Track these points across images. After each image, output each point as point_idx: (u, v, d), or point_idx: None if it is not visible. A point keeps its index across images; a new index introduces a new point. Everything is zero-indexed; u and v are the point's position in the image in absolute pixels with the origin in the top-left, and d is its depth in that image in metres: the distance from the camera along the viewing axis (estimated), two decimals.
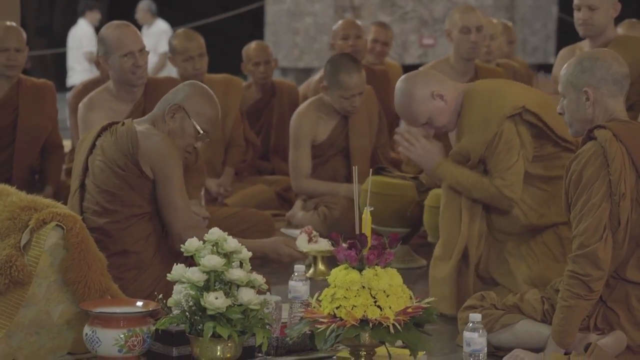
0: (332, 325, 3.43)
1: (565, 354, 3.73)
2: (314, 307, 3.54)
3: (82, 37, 12.21)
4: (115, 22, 5.25)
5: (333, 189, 6.02)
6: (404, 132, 4.54)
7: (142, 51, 5.10)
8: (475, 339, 3.47)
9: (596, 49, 4.15)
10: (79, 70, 12.14)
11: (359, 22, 7.30)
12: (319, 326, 3.45)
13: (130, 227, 4.16)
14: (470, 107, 4.39)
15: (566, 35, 5.47)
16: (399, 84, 4.50)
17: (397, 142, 4.58)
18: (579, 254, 3.67)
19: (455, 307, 4.30)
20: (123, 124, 4.22)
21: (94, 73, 11.95)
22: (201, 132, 4.20)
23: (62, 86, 11.95)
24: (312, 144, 6.10)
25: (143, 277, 4.17)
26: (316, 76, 7.38)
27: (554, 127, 4.34)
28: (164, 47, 12.42)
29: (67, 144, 6.89)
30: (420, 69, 6.42)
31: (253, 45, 7.25)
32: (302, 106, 6.21)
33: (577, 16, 5.37)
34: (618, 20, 5.94)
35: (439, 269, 4.46)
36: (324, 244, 4.27)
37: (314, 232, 4.31)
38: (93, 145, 4.23)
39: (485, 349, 3.50)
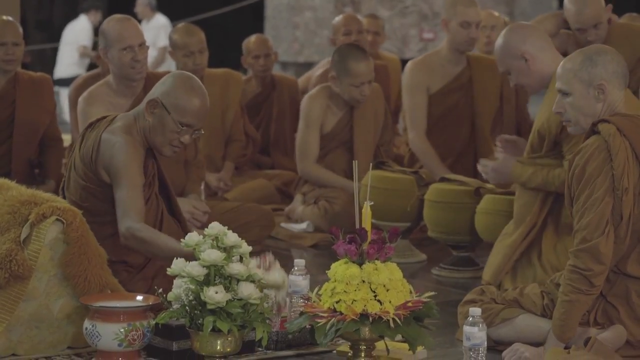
0: (332, 320, 3.43)
1: (565, 348, 3.73)
2: (314, 302, 3.54)
3: (79, 32, 12.21)
4: (117, 15, 5.25)
5: (338, 182, 6.01)
6: (480, 166, 4.83)
7: (142, 46, 5.09)
8: (475, 333, 3.47)
9: (597, 44, 4.13)
10: (66, 63, 12.14)
11: (359, 17, 7.29)
12: (318, 320, 3.45)
13: (115, 235, 4.02)
14: (549, 87, 4.45)
15: (567, 29, 5.41)
16: (509, 26, 4.73)
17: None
18: (580, 248, 3.66)
19: (496, 278, 4.48)
20: (95, 127, 4.12)
21: (81, 66, 11.97)
22: (181, 127, 4.03)
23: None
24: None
25: (135, 279, 4.14)
26: (317, 71, 7.37)
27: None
28: (163, 42, 12.41)
29: (66, 138, 6.89)
30: (409, 64, 6.40)
31: (253, 38, 7.25)
32: (314, 90, 6.22)
33: (583, 36, 5.34)
34: (619, 15, 5.94)
35: (500, 241, 4.62)
36: (275, 276, 3.61)
37: (270, 259, 3.66)
38: (80, 144, 4.19)
39: (485, 343, 3.50)
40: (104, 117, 4.23)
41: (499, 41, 4.63)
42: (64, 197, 4.17)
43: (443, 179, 5.32)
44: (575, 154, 3.75)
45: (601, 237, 3.64)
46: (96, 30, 12.41)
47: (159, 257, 3.89)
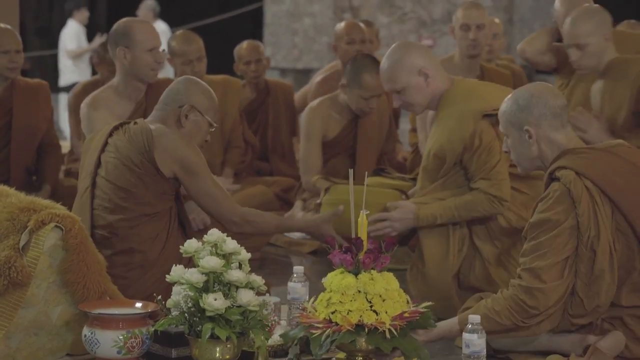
0: (328, 331, 3.41)
1: (564, 355, 3.73)
2: (309, 312, 3.52)
3: (67, 38, 12.19)
4: (135, 18, 5.26)
5: None
6: (374, 227, 4.44)
7: (162, 50, 5.13)
8: (474, 341, 3.47)
9: (531, 84, 3.96)
10: (65, 72, 12.15)
11: (361, 24, 7.29)
12: (314, 331, 3.43)
13: (139, 225, 4.19)
14: (447, 102, 4.38)
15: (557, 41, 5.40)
16: (395, 45, 4.53)
17: (374, 233, 4.44)
18: (536, 287, 3.58)
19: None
20: (135, 123, 4.27)
21: (81, 71, 11.97)
22: (215, 125, 4.36)
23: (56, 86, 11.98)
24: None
25: (147, 276, 4.18)
26: (317, 78, 7.37)
27: None
28: (162, 48, 12.43)
29: (65, 145, 6.88)
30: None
31: (244, 44, 7.26)
32: (315, 102, 6.23)
33: (571, 57, 5.14)
34: (617, 21, 5.94)
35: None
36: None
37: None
38: (105, 144, 4.26)
39: (485, 350, 3.50)
40: (126, 122, 4.32)
41: (391, 57, 4.45)
42: (92, 207, 4.22)
43: (379, 170, 5.43)
44: (539, 200, 3.69)
45: (560, 280, 3.59)
46: (89, 33, 12.45)
47: (268, 232, 4.01)
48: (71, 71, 12.05)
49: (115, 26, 5.15)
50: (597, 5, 5.26)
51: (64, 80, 12.30)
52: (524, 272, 3.63)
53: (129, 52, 5.04)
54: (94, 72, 11.47)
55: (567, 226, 3.60)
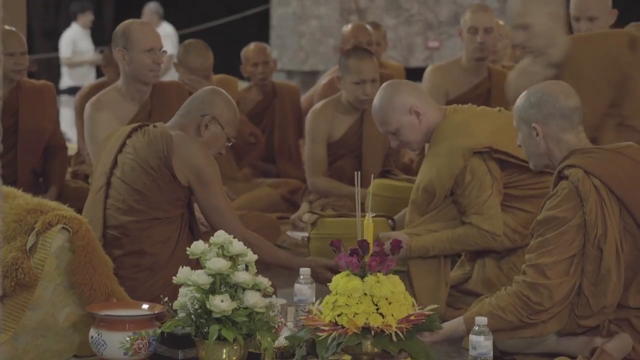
0: (334, 333, 3.40)
1: (571, 358, 3.72)
2: (315, 315, 3.51)
3: (63, 43, 12.16)
4: (136, 19, 5.27)
5: (349, 193, 6.00)
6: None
7: (161, 50, 5.12)
8: (481, 342, 3.47)
9: (547, 81, 3.96)
10: (67, 74, 12.14)
11: (368, 27, 7.29)
12: (320, 334, 3.42)
13: (151, 228, 4.20)
14: (438, 138, 4.35)
15: (572, 32, 5.35)
16: (384, 85, 4.47)
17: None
18: (540, 283, 3.59)
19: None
20: (155, 126, 4.27)
21: (78, 77, 11.97)
22: (233, 140, 4.38)
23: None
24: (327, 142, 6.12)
25: (155, 278, 4.18)
26: (323, 80, 7.38)
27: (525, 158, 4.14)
28: (169, 50, 12.40)
29: (72, 147, 6.89)
30: (430, 68, 6.41)
31: (251, 46, 7.28)
32: (319, 104, 6.22)
33: (577, 27, 5.14)
34: (624, 24, 5.92)
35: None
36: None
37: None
38: (123, 144, 4.28)
39: (491, 352, 3.50)
40: (145, 125, 4.33)
41: (381, 99, 4.40)
42: (105, 207, 4.22)
43: (385, 172, 5.35)
44: (547, 198, 3.69)
45: (566, 278, 3.60)
46: (94, 37, 12.45)
47: (263, 261, 3.96)
48: (68, 75, 12.05)
49: (116, 28, 5.17)
50: None
51: (66, 82, 12.29)
52: (529, 268, 3.63)
53: (127, 53, 5.06)
54: (98, 75, 11.49)
55: (574, 224, 3.60)
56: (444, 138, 4.33)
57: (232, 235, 3.93)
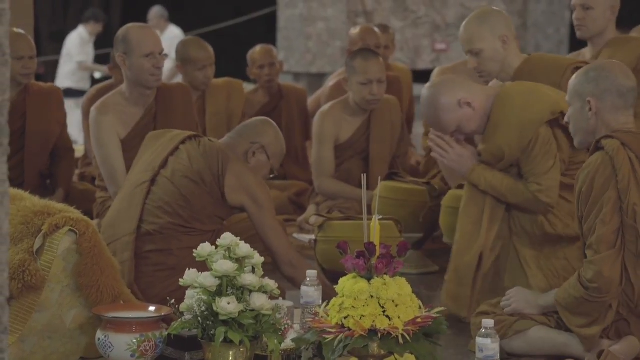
0: (340, 336, 3.39)
1: None
2: (321, 317, 3.51)
3: (71, 44, 12.16)
4: (136, 23, 5.26)
5: (356, 195, 5.99)
6: (436, 137, 4.44)
7: (162, 54, 5.12)
8: (488, 345, 3.46)
9: (606, 60, 4.05)
10: (62, 75, 12.13)
11: (376, 29, 7.29)
12: (326, 336, 3.42)
13: (186, 234, 4.25)
14: (503, 111, 4.33)
15: (579, 40, 5.35)
16: (424, 92, 4.44)
17: (430, 147, 4.51)
18: (590, 259, 3.67)
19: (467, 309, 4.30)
20: (211, 140, 4.36)
21: (78, 79, 11.97)
22: (275, 173, 4.47)
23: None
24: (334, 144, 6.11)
25: (173, 280, 4.18)
26: (330, 82, 7.38)
27: None
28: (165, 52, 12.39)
29: (79, 149, 6.90)
30: (437, 70, 6.40)
31: (257, 48, 7.28)
32: (327, 106, 6.22)
33: (574, 16, 5.18)
34: (631, 27, 5.91)
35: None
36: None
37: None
38: (176, 148, 4.34)
39: (498, 355, 3.49)
40: (199, 136, 4.41)
41: (429, 106, 4.38)
42: (144, 202, 4.27)
43: (392, 175, 5.39)
44: (581, 171, 3.73)
45: (612, 251, 3.63)
46: (99, 40, 12.47)
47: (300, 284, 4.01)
48: (67, 77, 12.04)
49: (117, 33, 5.19)
50: (491, 7, 5.10)
51: (60, 83, 12.28)
52: (588, 251, 3.70)
53: (127, 58, 5.08)
54: (93, 82, 11.49)
55: (610, 196, 3.65)
56: (511, 107, 4.31)
57: (291, 258, 4.30)
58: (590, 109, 3.76)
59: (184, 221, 4.25)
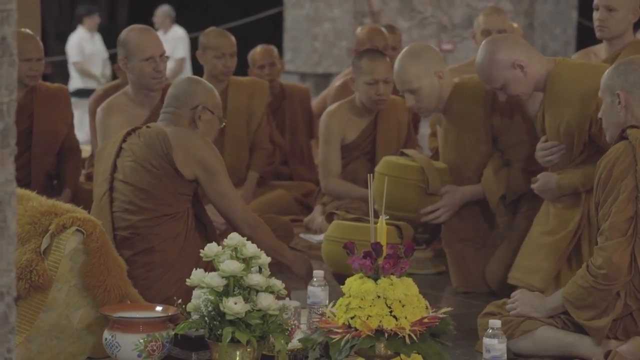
0: (347, 336, 3.39)
1: None
2: (328, 317, 3.51)
3: (71, 46, 12.16)
4: (137, 25, 5.26)
5: (363, 195, 5.98)
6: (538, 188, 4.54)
7: (163, 56, 5.12)
8: (495, 346, 3.46)
9: (636, 55, 4.08)
10: (76, 75, 12.15)
11: (383, 30, 7.28)
12: (333, 336, 3.42)
13: (159, 225, 4.24)
14: (561, 84, 4.39)
15: (586, 40, 5.37)
16: (484, 43, 4.52)
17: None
18: (600, 246, 3.68)
19: (548, 284, 4.38)
20: (148, 127, 4.32)
21: (78, 80, 11.98)
22: (224, 121, 4.43)
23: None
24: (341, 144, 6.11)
25: (167, 276, 4.21)
26: (336, 82, 7.37)
27: None
28: (180, 53, 12.41)
29: (86, 149, 6.90)
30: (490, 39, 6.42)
31: (258, 49, 7.29)
32: (333, 106, 6.23)
33: (595, 16, 5.18)
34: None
35: (534, 240, 4.50)
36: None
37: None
38: (120, 149, 4.32)
39: (505, 355, 3.49)
40: (138, 128, 4.38)
41: (483, 57, 4.46)
42: (111, 211, 4.28)
43: (402, 154, 5.33)
44: (602, 158, 3.75)
45: (623, 238, 3.63)
46: (107, 41, 12.47)
47: (265, 247, 3.95)
48: (76, 77, 12.06)
49: (119, 35, 5.20)
50: (421, 44, 5.22)
51: (71, 85, 12.31)
52: (599, 237, 3.71)
53: (128, 61, 5.10)
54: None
55: (627, 184, 3.65)
56: (570, 82, 4.37)
57: (248, 219, 4.27)
58: (619, 102, 3.78)
59: (151, 212, 4.22)
